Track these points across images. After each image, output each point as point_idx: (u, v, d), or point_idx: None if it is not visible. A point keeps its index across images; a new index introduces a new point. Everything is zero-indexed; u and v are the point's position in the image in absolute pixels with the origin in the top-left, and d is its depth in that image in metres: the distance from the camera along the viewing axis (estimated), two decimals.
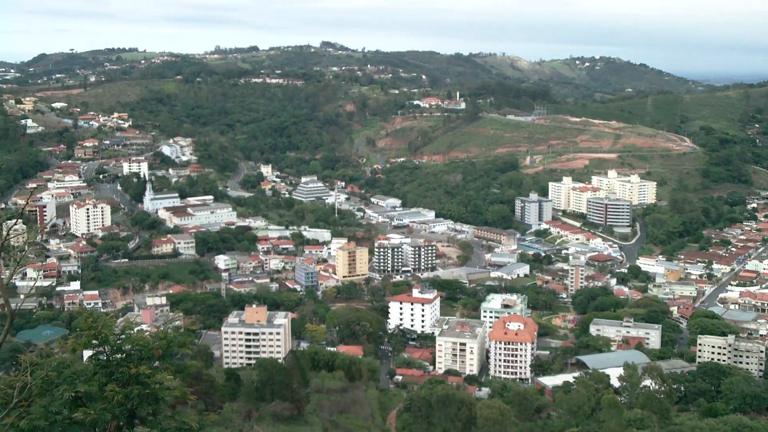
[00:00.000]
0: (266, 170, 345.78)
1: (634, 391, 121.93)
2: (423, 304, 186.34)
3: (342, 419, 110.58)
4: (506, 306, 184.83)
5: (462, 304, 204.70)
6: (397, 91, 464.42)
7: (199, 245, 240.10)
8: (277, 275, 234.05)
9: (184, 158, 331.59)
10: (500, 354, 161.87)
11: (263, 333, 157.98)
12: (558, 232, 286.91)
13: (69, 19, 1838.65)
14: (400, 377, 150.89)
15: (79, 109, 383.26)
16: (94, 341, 14.18)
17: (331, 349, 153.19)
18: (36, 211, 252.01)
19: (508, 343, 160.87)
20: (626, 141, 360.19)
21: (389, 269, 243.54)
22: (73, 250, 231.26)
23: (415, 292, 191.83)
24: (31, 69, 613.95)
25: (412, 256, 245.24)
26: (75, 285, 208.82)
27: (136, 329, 14.52)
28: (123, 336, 14.39)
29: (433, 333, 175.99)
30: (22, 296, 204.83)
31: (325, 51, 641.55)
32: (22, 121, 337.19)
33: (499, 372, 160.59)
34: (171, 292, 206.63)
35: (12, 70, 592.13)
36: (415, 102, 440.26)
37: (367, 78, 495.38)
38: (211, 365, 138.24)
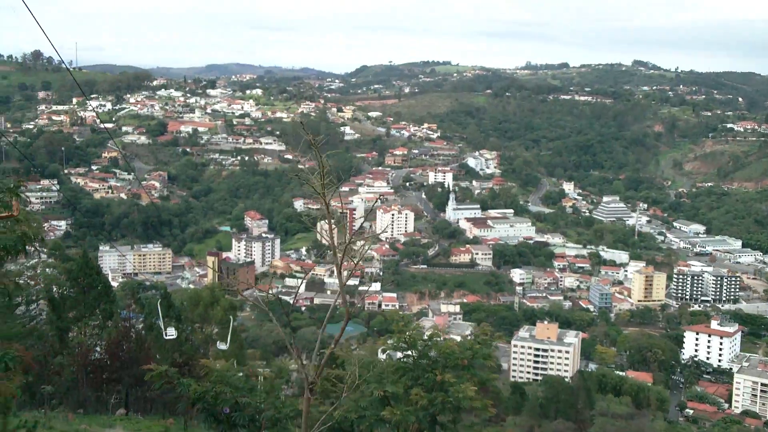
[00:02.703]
0: (568, 187, 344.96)
1: None
2: (722, 337, 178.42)
3: None
4: None
5: (766, 342, 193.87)
6: (709, 113, 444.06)
7: (496, 257, 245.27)
8: (571, 293, 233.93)
9: (488, 171, 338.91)
10: None
11: (552, 350, 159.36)
12: None
13: (389, 33, 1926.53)
14: (691, 411, 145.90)
15: (392, 119, 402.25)
16: (404, 345, 15.56)
17: (620, 373, 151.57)
18: (346, 213, 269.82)
19: None
20: None
21: (687, 297, 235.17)
22: (377, 253, 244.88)
23: (714, 324, 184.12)
24: (353, 80, 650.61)
25: (713, 285, 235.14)
26: (376, 286, 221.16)
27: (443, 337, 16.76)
28: (430, 343, 15.69)
29: (731, 369, 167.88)
30: (329, 292, 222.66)
31: (636, 70, 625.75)
32: (342, 128, 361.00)
33: None
34: (465, 301, 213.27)
35: (337, 81, 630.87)
36: (729, 125, 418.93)
37: (678, 99, 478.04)
38: (498, 377, 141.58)
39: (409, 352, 15.58)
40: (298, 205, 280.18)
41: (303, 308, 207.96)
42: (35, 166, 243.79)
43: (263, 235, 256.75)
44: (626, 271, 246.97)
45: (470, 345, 16.09)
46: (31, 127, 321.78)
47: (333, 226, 12.91)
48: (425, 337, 15.72)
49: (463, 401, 14.36)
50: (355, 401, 14.16)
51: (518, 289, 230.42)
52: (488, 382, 15.99)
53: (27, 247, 12.10)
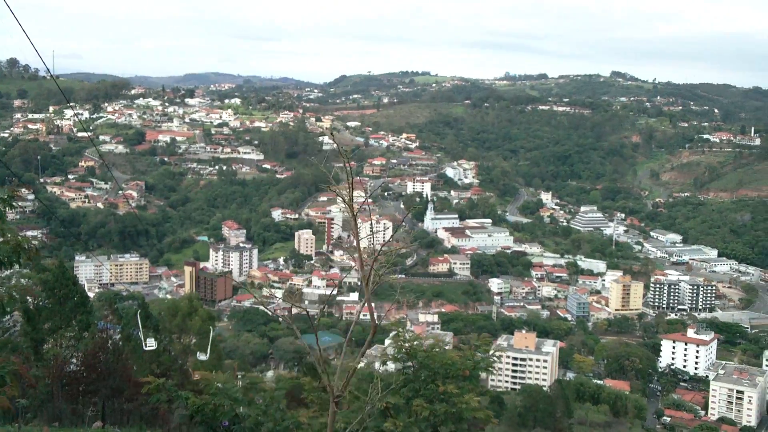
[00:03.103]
0: (546, 197, 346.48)
1: None
2: (698, 345, 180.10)
3: None
4: None
5: (742, 350, 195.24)
6: (686, 124, 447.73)
7: (474, 267, 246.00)
8: (549, 302, 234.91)
9: (467, 181, 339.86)
10: None
11: (531, 359, 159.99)
12: None
13: (369, 43, 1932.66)
14: (668, 419, 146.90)
15: (371, 129, 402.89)
16: (404, 355, 15.41)
17: (598, 381, 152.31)
18: (325, 223, 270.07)
19: None
20: None
21: (664, 306, 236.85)
22: (355, 262, 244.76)
23: (690, 332, 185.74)
24: (332, 90, 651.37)
25: (690, 294, 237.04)
26: (354, 296, 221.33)
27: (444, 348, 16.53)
28: (430, 354, 15.44)
29: (707, 376, 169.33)
30: (306, 302, 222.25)
31: (614, 81, 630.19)
32: (320, 138, 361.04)
33: None
34: (443, 310, 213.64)
35: (315, 90, 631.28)
36: (705, 136, 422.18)
37: (655, 110, 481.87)
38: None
39: (410, 363, 15.43)
40: (276, 214, 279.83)
41: (281, 318, 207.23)
42: (14, 174, 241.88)
43: (241, 244, 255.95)
44: (604, 280, 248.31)
45: (471, 355, 16.17)
46: (6, 135, 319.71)
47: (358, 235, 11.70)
48: (425, 348, 15.61)
49: (467, 412, 14.38)
50: (355, 413, 14.03)
51: (496, 298, 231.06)
52: (489, 393, 16.02)
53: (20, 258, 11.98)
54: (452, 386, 14.59)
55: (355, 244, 11.65)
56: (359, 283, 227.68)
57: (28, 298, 49.42)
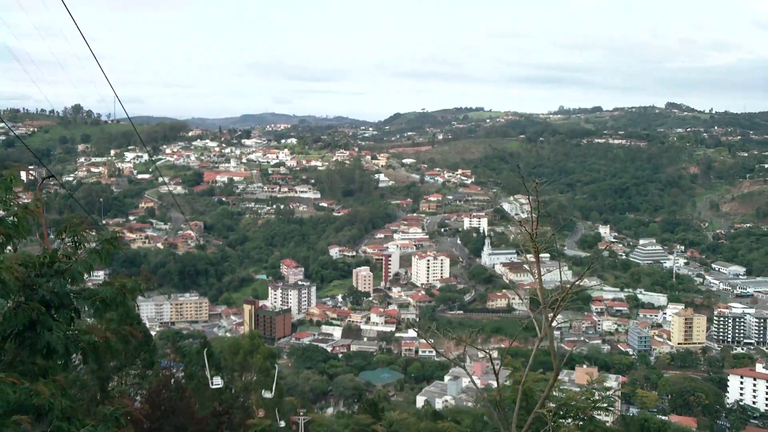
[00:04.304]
0: (604, 231, 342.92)
1: None
2: None
3: None
4: None
5: None
6: (746, 154, 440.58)
7: (533, 302, 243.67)
8: (609, 337, 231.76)
9: (523, 215, 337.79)
10: None
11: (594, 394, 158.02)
12: None
13: (422, 81, 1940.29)
14: None
15: (426, 165, 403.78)
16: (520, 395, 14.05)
17: (663, 417, 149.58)
18: (382, 260, 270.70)
19: None
20: None
21: (729, 339, 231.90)
22: (413, 298, 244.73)
23: (759, 367, 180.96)
24: (386, 127, 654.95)
25: (757, 327, 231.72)
26: (412, 333, 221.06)
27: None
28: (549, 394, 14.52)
29: None
30: (365, 339, 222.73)
31: (669, 112, 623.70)
32: (376, 175, 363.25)
33: None
34: (502, 346, 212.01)
35: (370, 128, 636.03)
36: (766, 165, 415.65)
37: (713, 140, 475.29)
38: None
39: (524, 403, 14.59)
40: (334, 252, 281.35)
41: (340, 355, 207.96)
42: (90, 216, 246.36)
43: (299, 282, 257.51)
44: (665, 313, 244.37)
45: (589, 395, 15.38)
46: (71, 179, 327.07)
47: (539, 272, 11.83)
48: (542, 388, 14.67)
49: None
50: None
51: (556, 333, 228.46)
52: None
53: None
54: (573, 427, 13.90)
55: (537, 281, 11.47)
56: (417, 320, 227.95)
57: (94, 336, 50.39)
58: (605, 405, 14.11)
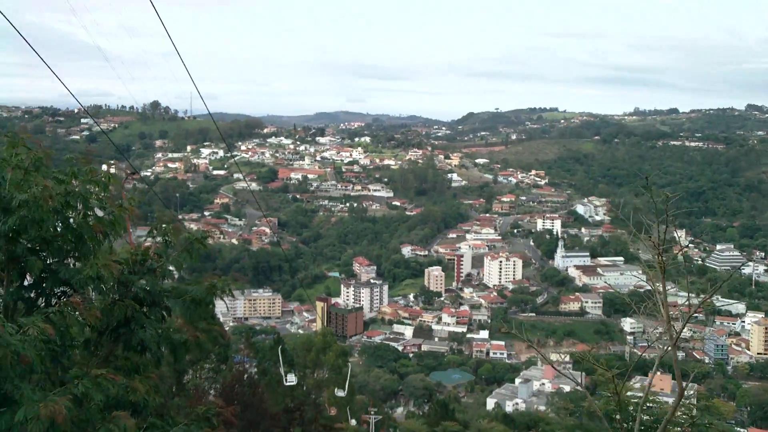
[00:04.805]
0: (679, 235, 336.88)
1: None
2: None
3: None
4: None
5: None
6: None
7: (606, 306, 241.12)
8: (684, 344, 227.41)
9: (597, 218, 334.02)
10: None
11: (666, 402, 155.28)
12: None
13: (496, 80, 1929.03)
14: None
15: (499, 165, 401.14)
16: (612, 407, 13.65)
17: (741, 430, 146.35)
18: (454, 260, 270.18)
19: None
20: None
21: None
22: (485, 300, 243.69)
23: None
24: (459, 127, 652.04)
25: None
26: (484, 334, 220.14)
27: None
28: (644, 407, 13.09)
29: None
30: (436, 339, 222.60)
31: (750, 114, 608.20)
32: (448, 175, 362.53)
33: None
34: (575, 350, 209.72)
35: (443, 128, 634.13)
36: None
37: None
38: None
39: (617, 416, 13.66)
40: (406, 251, 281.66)
41: (411, 355, 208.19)
42: (171, 209, 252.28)
43: (371, 281, 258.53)
44: (743, 321, 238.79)
45: (689, 410, 13.79)
46: (149, 174, 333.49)
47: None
48: (637, 400, 13.53)
49: None
50: None
51: (629, 338, 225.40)
52: None
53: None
54: None
55: (662, 301, 10.91)
56: (489, 320, 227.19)
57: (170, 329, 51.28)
58: (705, 426, 12.45)
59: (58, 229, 11.01)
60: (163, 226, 12.80)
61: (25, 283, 11.14)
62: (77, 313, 9.77)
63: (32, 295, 11.10)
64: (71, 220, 10.96)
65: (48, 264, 10.87)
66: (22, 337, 8.56)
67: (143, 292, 11.76)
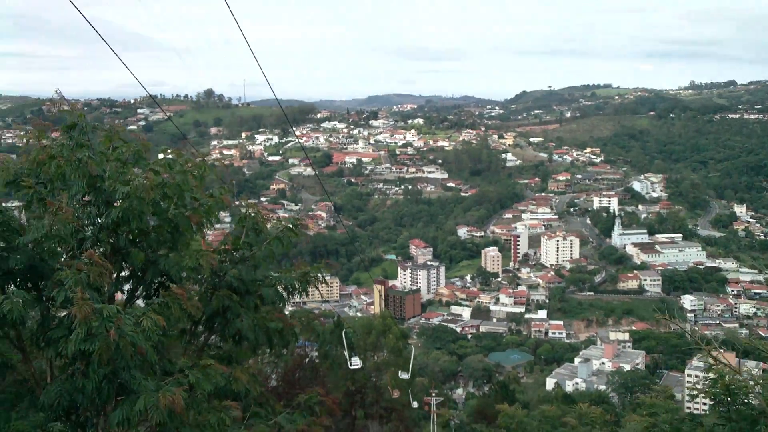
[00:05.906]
0: (740, 210, 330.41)
1: None
2: None
3: None
4: None
5: None
6: None
7: (666, 283, 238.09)
8: (748, 321, 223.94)
9: (654, 195, 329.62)
10: None
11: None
12: None
13: (548, 58, 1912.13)
14: None
15: (554, 144, 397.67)
16: (719, 391, 12.46)
17: None
18: (510, 240, 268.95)
19: None
20: None
21: None
22: (542, 279, 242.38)
23: None
24: (512, 106, 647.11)
25: None
26: (542, 314, 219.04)
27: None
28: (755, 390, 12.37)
29: None
30: (494, 320, 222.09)
31: None
32: (503, 155, 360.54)
33: None
34: (634, 328, 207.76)
35: (496, 108, 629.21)
36: None
37: None
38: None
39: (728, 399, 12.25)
40: (462, 232, 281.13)
41: (469, 336, 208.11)
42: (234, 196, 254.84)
43: (428, 263, 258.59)
44: None
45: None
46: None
47: None
48: (750, 383, 12.34)
49: None
50: None
51: (689, 316, 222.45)
52: None
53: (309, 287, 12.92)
54: None
55: None
56: (546, 300, 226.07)
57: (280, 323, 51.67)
58: None
59: (155, 221, 11.16)
60: (252, 214, 12.91)
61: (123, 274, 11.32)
62: (180, 303, 9.90)
63: (131, 286, 11.29)
64: (168, 212, 11.10)
65: (147, 255, 11.03)
66: (136, 329, 8.73)
67: (237, 281, 11.87)
